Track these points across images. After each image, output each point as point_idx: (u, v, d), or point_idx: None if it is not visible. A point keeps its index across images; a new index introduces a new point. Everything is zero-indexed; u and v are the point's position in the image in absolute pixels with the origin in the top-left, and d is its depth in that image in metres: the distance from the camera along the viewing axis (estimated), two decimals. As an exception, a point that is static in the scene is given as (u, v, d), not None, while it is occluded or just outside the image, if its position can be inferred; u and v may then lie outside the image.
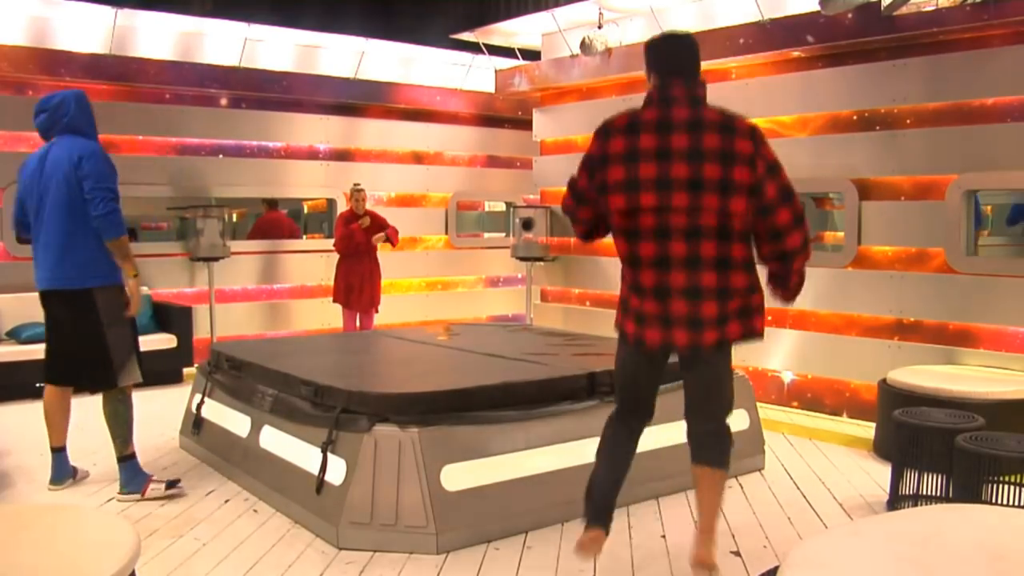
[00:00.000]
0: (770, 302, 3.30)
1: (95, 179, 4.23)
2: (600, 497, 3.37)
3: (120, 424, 4.47)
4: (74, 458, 5.11)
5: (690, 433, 3.35)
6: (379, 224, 8.11)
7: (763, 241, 3.14)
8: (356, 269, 8.03)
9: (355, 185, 8.12)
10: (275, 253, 8.76)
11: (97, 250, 4.31)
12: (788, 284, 3.24)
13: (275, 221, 9.08)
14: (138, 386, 7.18)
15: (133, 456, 4.50)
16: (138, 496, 4.39)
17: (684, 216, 3.00)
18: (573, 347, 5.44)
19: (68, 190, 4.27)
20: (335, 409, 4.01)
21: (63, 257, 4.31)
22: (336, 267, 8.15)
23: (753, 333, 3.19)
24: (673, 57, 3.15)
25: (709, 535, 3.30)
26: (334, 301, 8.16)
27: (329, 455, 3.96)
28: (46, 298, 4.43)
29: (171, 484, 4.49)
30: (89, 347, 4.36)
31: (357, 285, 8.02)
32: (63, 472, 4.65)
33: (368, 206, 8.29)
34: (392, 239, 8.10)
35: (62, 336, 4.44)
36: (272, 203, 9.03)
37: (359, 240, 7.97)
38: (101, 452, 5.02)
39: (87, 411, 5.06)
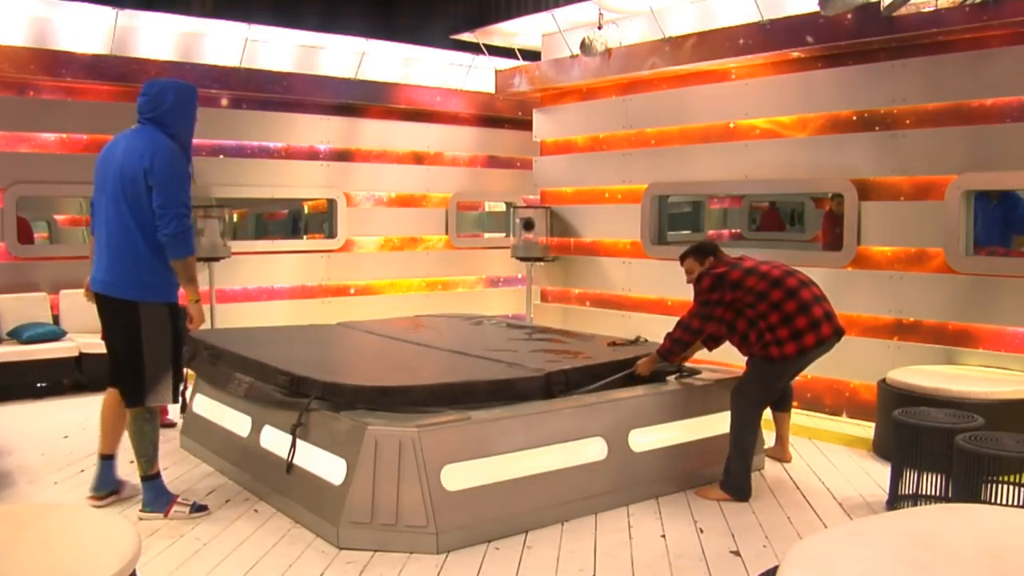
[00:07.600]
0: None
1: (166, 195, 3.97)
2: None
3: (144, 443, 4.18)
4: (76, 456, 5.13)
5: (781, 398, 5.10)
6: None
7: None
8: None
9: None
10: (275, 253, 8.77)
11: (151, 261, 4.07)
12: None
13: None
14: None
15: (158, 475, 4.22)
16: (161, 516, 4.14)
17: None
18: (534, 340, 5.65)
19: (133, 189, 4.00)
20: (308, 397, 4.15)
21: (114, 262, 4.08)
22: None
23: None
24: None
25: (787, 441, 5.22)
26: None
27: (330, 455, 3.99)
28: (98, 298, 4.18)
29: (197, 508, 4.23)
30: (127, 359, 4.12)
31: None
32: (105, 482, 4.35)
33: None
34: None
35: (110, 339, 4.22)
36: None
37: None
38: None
39: (92, 409, 5.06)
